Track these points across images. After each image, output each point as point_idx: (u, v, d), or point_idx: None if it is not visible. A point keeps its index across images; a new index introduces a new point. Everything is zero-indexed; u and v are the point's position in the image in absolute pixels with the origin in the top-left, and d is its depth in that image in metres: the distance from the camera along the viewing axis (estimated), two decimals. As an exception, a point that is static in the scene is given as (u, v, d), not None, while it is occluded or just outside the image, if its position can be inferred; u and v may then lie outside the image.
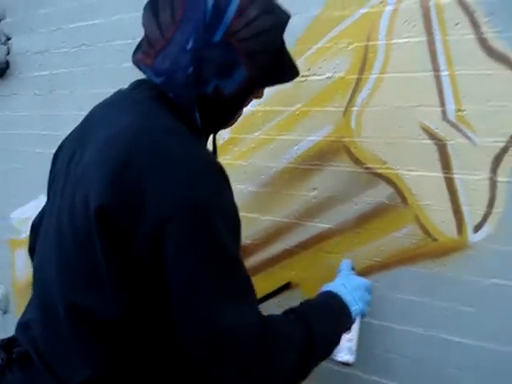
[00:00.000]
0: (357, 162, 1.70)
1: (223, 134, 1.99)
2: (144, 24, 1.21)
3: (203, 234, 1.03)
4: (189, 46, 1.11)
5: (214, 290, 1.05)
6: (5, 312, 3.07)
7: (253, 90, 1.24)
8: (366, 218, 1.71)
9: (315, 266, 1.83)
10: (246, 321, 1.07)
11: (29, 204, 2.80)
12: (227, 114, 1.26)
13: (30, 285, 1.31)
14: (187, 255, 1.03)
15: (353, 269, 1.55)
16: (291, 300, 1.90)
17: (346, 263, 1.55)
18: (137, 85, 1.27)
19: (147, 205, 1.02)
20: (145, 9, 1.21)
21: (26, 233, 2.87)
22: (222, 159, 2.02)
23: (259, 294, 1.99)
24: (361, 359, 1.71)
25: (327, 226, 1.79)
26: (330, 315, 1.32)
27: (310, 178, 1.80)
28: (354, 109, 1.69)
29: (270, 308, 1.96)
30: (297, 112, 1.80)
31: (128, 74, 2.26)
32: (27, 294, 1.35)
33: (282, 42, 1.27)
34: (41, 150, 2.63)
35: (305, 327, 1.20)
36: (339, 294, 1.37)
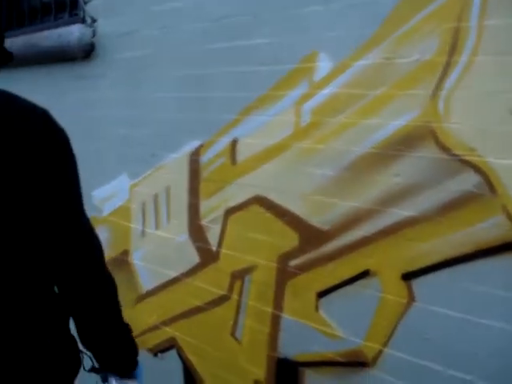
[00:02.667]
0: (444, 148, 1.64)
1: (304, 117, 1.97)
2: None
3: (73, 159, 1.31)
4: None
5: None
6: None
7: None
8: (450, 207, 1.65)
9: (395, 254, 1.79)
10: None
11: (110, 184, 2.87)
12: None
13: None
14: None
15: None
16: (369, 288, 1.88)
17: None
18: None
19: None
20: None
21: (106, 211, 2.95)
22: (303, 143, 2.00)
23: (336, 280, 1.98)
24: (440, 353, 1.67)
25: (409, 213, 1.74)
26: None
27: (394, 164, 1.76)
28: (443, 93, 1.63)
29: (347, 296, 1.94)
30: (381, 95, 1.76)
31: (211, 56, 2.28)
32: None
33: None
34: (125, 131, 2.68)
35: None
36: None
